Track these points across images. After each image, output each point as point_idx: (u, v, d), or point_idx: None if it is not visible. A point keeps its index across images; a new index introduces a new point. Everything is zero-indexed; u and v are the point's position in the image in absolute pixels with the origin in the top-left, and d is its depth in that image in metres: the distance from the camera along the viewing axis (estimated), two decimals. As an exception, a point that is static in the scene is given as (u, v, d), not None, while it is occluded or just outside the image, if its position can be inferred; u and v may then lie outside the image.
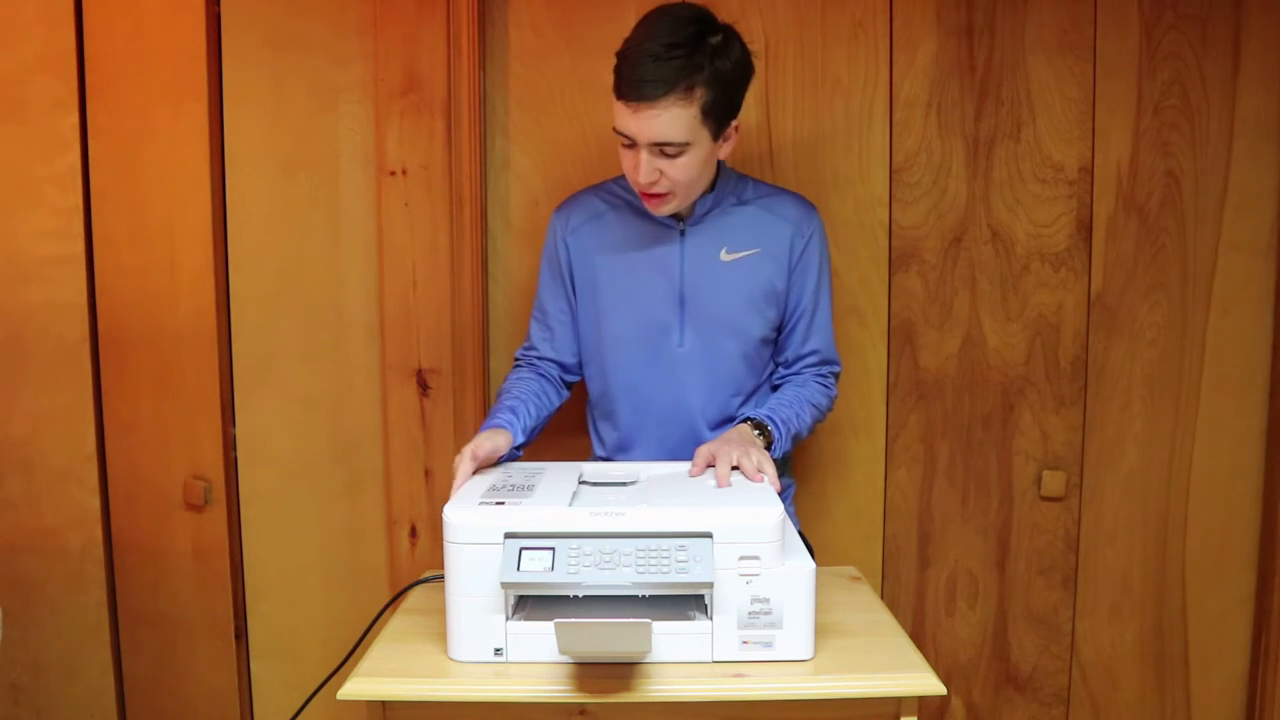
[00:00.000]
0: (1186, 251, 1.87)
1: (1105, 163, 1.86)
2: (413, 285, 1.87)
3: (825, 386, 1.58)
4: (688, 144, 1.37)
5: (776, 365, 1.60)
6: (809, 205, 1.57)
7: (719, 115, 1.39)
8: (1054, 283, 1.88)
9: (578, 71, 1.84)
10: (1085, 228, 1.87)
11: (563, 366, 1.62)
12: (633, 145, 1.39)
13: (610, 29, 1.83)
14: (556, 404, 1.59)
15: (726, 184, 1.53)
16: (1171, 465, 1.92)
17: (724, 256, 1.51)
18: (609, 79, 1.86)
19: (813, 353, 1.57)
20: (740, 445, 1.35)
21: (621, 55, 1.38)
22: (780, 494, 1.49)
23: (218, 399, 1.87)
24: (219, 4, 1.82)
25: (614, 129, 1.41)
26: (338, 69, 1.83)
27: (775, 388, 1.59)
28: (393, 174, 1.85)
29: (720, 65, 1.36)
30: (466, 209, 1.81)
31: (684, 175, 1.40)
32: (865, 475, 1.93)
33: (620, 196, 1.57)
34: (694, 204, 1.51)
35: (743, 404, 1.56)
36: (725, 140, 1.44)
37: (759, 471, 1.30)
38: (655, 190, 1.41)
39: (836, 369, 1.61)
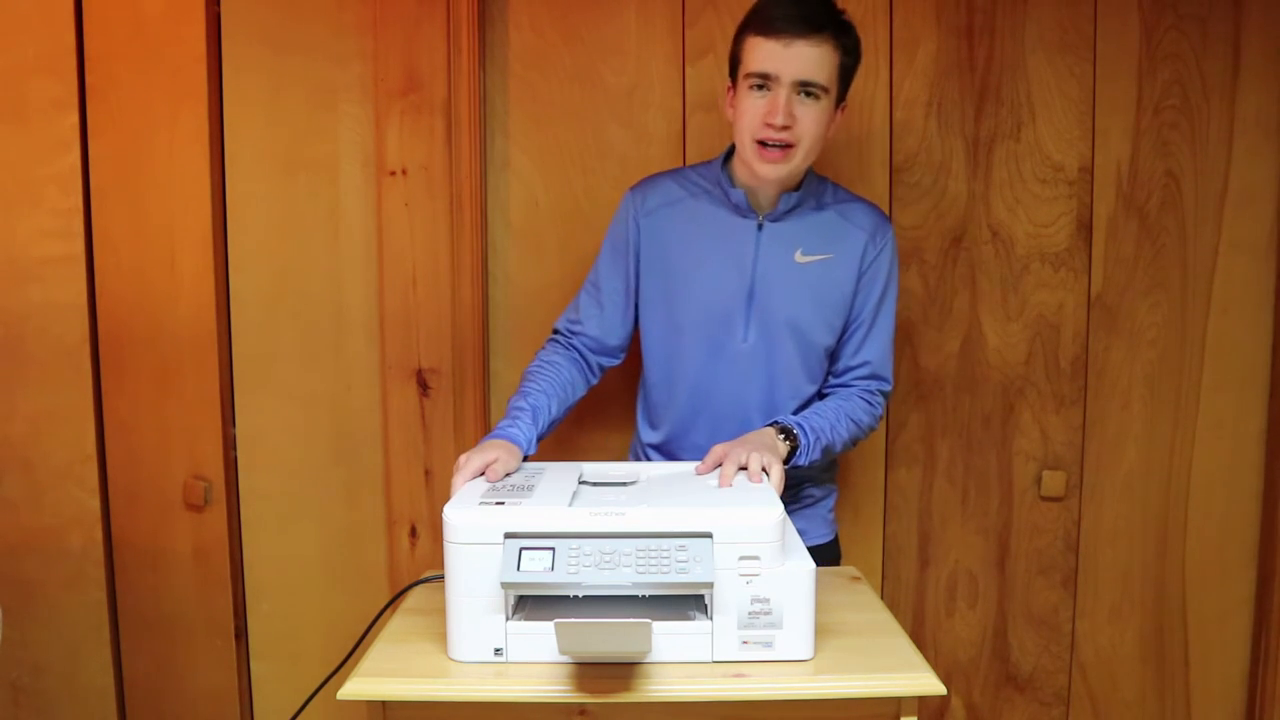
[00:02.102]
0: (1186, 251, 1.87)
1: (1105, 163, 1.86)
2: (413, 285, 1.87)
3: (870, 404, 1.55)
4: (827, 90, 1.39)
5: (830, 373, 1.57)
6: (884, 216, 1.56)
7: (846, 80, 1.42)
8: (1054, 283, 1.88)
9: (578, 71, 1.84)
10: (1085, 228, 1.87)
11: (603, 348, 1.59)
12: (766, 88, 1.39)
13: (610, 29, 1.83)
14: (582, 394, 1.57)
15: (810, 184, 1.52)
16: (1171, 465, 1.92)
17: (799, 258, 1.50)
18: (609, 79, 1.86)
19: (864, 364, 1.54)
20: (754, 447, 1.34)
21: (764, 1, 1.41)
22: (819, 501, 1.51)
23: (218, 399, 1.87)
24: (219, 4, 1.82)
25: (747, 73, 1.40)
26: (338, 69, 1.83)
27: (822, 396, 1.56)
28: (393, 174, 1.85)
29: (853, 34, 1.42)
30: (466, 209, 1.81)
31: (814, 128, 1.40)
32: (865, 475, 1.93)
33: (698, 185, 1.54)
34: (777, 199, 1.49)
35: (800, 409, 1.53)
36: (840, 112, 1.46)
37: (761, 472, 1.30)
38: (784, 138, 1.39)
39: (886, 387, 1.57)
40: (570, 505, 1.18)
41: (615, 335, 1.59)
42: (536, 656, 1.13)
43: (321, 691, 1.46)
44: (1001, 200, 1.87)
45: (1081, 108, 1.84)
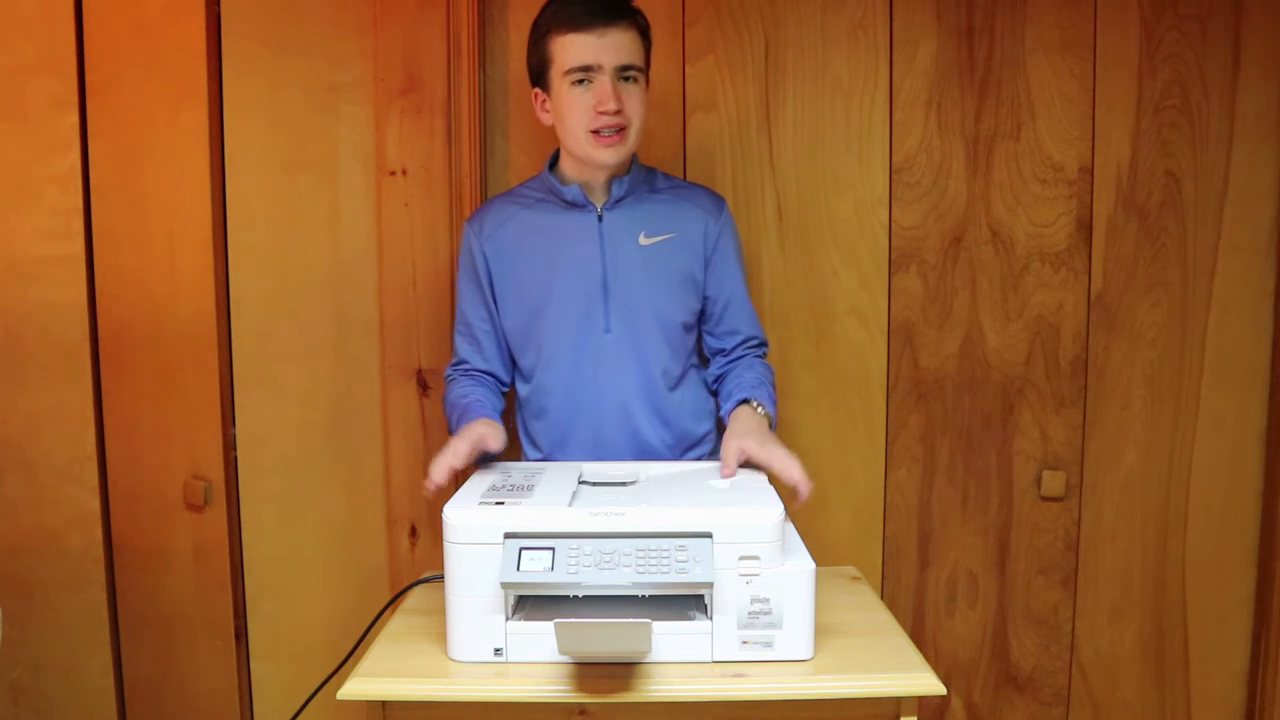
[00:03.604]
0: (1186, 251, 1.87)
1: (1105, 163, 1.86)
2: (413, 285, 1.87)
3: (768, 365, 1.63)
4: (643, 71, 1.46)
5: (715, 354, 1.63)
6: (719, 196, 1.61)
7: (648, 59, 1.49)
8: (1054, 283, 1.88)
9: (578, 71, 1.84)
10: (1085, 228, 1.87)
11: (495, 377, 1.62)
12: (588, 81, 1.43)
13: (610, 29, 1.83)
14: (502, 408, 1.60)
15: (639, 172, 1.56)
16: (1171, 465, 1.92)
17: (642, 240, 1.54)
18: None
19: (750, 337, 1.62)
20: (760, 437, 1.38)
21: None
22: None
23: (218, 399, 1.87)
24: (219, 4, 1.82)
25: (567, 70, 1.43)
26: (337, 69, 1.83)
27: (719, 378, 1.60)
28: (393, 174, 1.85)
29: (644, 17, 1.49)
30: (466, 209, 1.81)
31: (640, 108, 1.47)
32: (865, 475, 1.93)
33: (530, 196, 1.58)
34: (609, 186, 1.53)
35: (672, 388, 1.56)
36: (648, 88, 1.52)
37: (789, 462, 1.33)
38: (618, 122, 1.44)
39: (767, 344, 1.67)
40: (570, 505, 1.18)
41: (499, 364, 1.61)
42: (536, 656, 1.13)
43: (321, 691, 1.46)
44: (1001, 200, 1.87)
45: (1081, 108, 1.84)
